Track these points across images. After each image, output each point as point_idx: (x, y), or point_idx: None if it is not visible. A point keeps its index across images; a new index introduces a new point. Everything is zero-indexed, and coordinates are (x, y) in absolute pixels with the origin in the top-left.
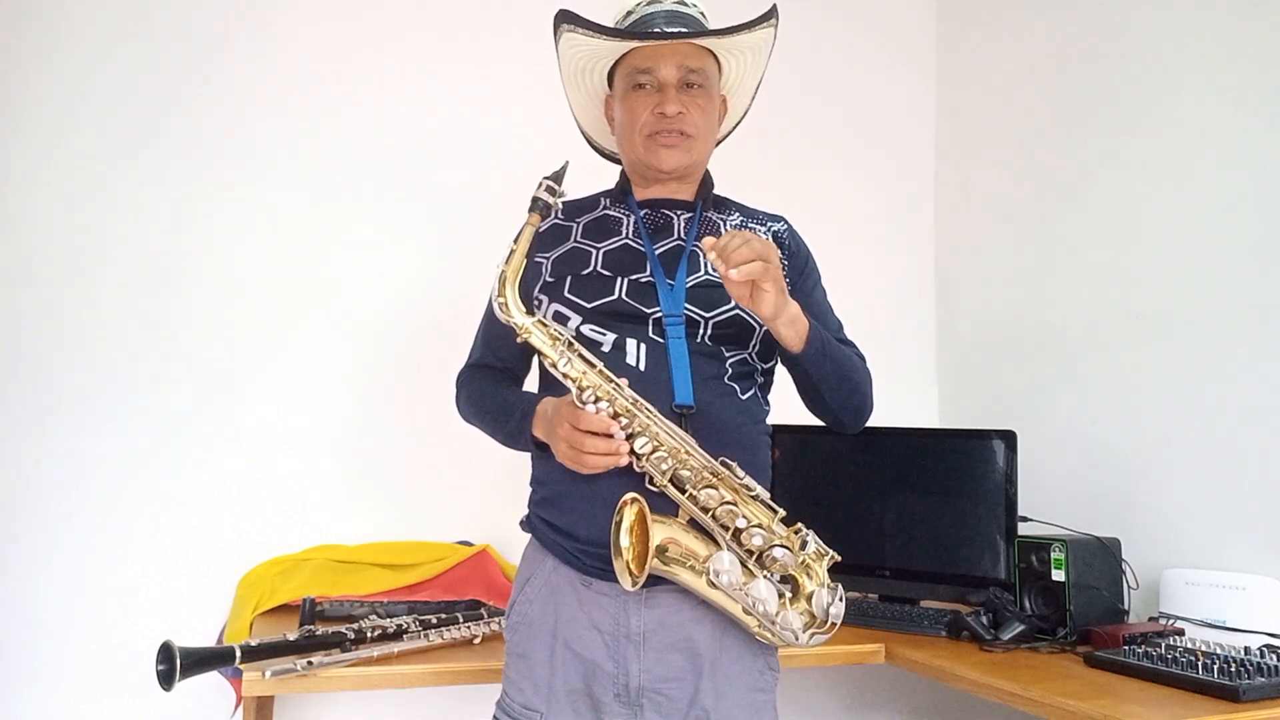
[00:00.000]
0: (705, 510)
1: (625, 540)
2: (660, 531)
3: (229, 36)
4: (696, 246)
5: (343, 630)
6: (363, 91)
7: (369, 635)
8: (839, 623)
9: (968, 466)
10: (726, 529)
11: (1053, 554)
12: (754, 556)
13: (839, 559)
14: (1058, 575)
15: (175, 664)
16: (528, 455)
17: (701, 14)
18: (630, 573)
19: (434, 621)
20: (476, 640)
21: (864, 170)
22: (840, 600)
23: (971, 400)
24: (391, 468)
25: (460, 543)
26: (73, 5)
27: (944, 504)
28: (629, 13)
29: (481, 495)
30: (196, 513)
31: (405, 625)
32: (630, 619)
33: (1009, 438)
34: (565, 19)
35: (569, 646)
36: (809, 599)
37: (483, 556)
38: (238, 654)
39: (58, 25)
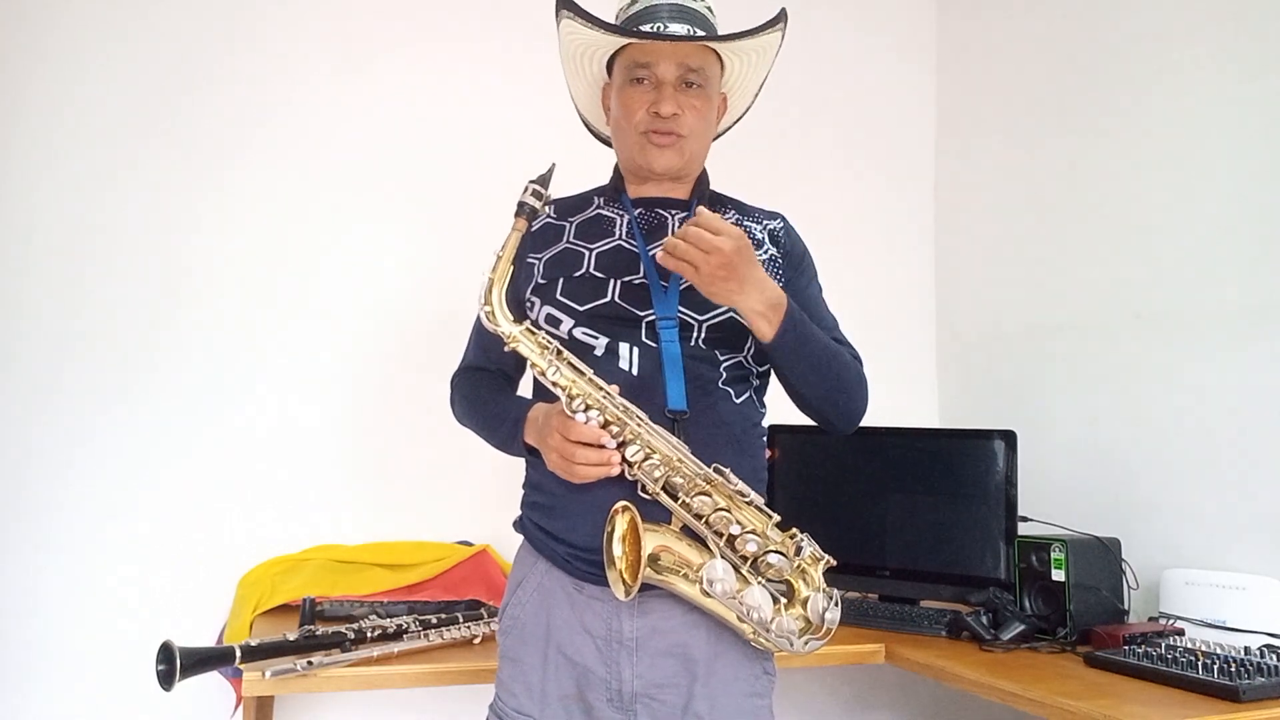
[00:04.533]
0: (699, 517)
1: (618, 549)
2: (652, 540)
3: (222, 37)
4: None
5: (343, 630)
6: (358, 91)
7: (369, 635)
8: (835, 628)
9: (968, 466)
10: (720, 535)
11: (1053, 554)
12: (748, 563)
13: (834, 563)
14: (1058, 575)
15: (175, 664)
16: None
17: (708, 9)
18: (624, 582)
19: (434, 621)
20: (476, 640)
21: (864, 170)
22: (836, 605)
23: (971, 400)
24: (391, 468)
25: (460, 543)
26: (67, 6)
27: (944, 504)
28: (633, 1)
29: (481, 495)
30: (196, 513)
31: (405, 625)
32: (623, 624)
33: (1009, 438)
34: (565, 5)
35: (561, 651)
36: (804, 604)
37: (483, 556)
38: (238, 654)
39: (51, 26)
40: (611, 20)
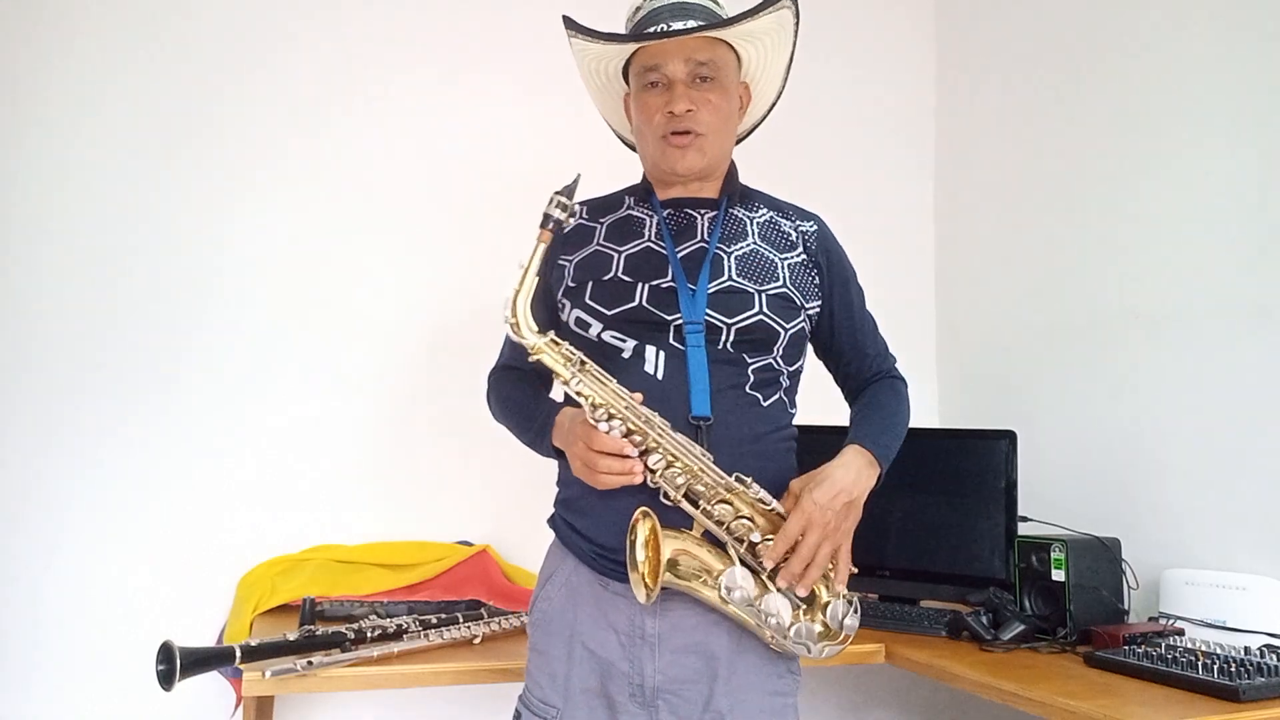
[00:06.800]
0: (720, 524)
1: (641, 554)
2: (671, 545)
3: (249, 47)
4: (720, 249)
5: (343, 630)
6: (377, 97)
7: (369, 635)
8: (853, 635)
9: (968, 466)
10: (741, 542)
11: (1053, 554)
12: (768, 570)
13: (855, 570)
14: (1058, 575)
15: (175, 664)
16: (528, 457)
17: (714, 1)
18: (644, 585)
19: (434, 621)
20: (476, 640)
21: (864, 170)
22: (855, 612)
23: (971, 400)
24: (392, 468)
25: (460, 543)
26: (92, 14)
27: (944, 504)
28: (637, 8)
29: (481, 495)
30: (197, 513)
31: (405, 625)
32: (646, 621)
33: (1009, 438)
34: (568, 26)
35: (585, 645)
36: (824, 610)
37: (483, 556)
38: (238, 654)
39: (75, 34)
40: (622, 31)
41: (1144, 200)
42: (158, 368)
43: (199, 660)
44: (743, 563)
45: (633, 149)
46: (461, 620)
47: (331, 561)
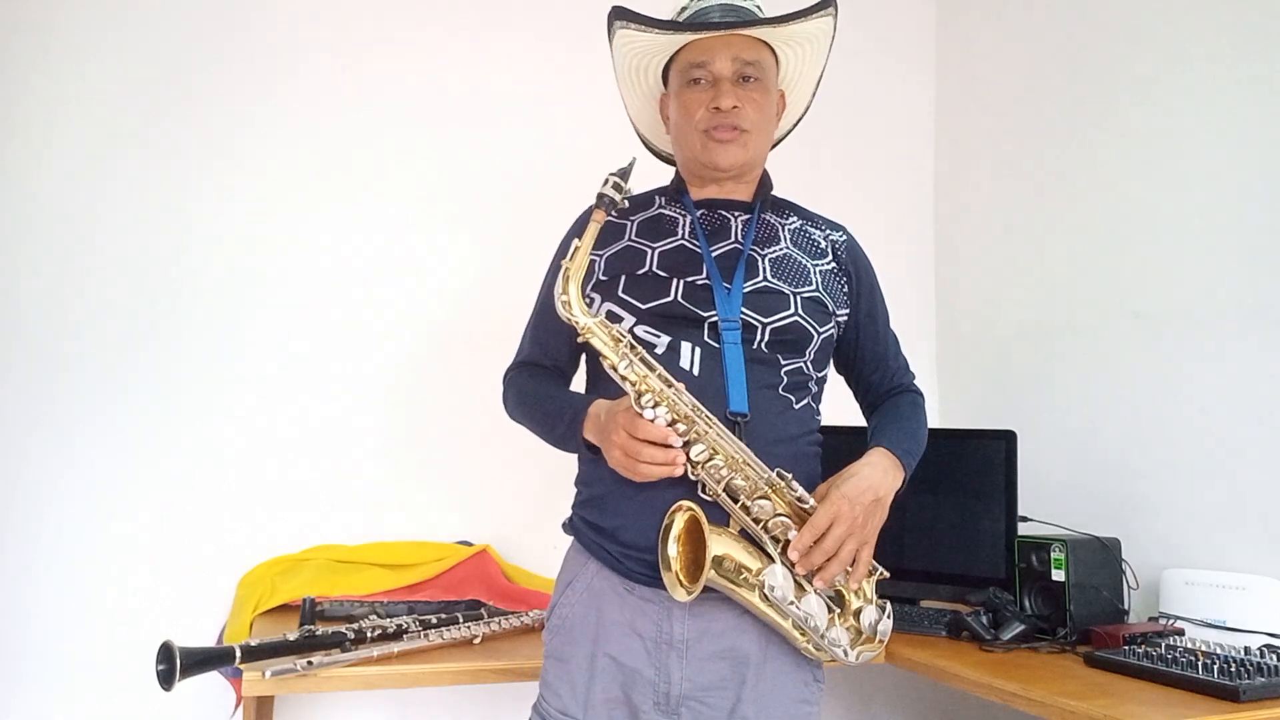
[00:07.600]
0: (757, 521)
1: (673, 549)
2: (718, 544)
3: (247, 23)
4: (754, 250)
5: (343, 630)
6: (395, 88)
7: (369, 635)
8: (886, 639)
9: (968, 466)
10: (778, 542)
11: (1053, 554)
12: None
13: (887, 575)
14: (1058, 575)
15: (175, 664)
16: (528, 457)
17: (757, 6)
18: (682, 584)
19: (434, 621)
20: (476, 640)
21: (864, 170)
22: (888, 617)
23: (971, 400)
24: (392, 468)
25: (460, 543)
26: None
27: (944, 504)
28: (683, 8)
29: (482, 495)
30: (197, 513)
31: (405, 625)
32: (673, 626)
33: (1009, 438)
34: (619, 15)
35: (609, 654)
36: (856, 615)
37: (483, 556)
38: (238, 654)
39: (51, 19)
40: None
41: (1144, 200)
42: (158, 367)
43: (199, 660)
44: (780, 563)
45: (656, 155)
46: (461, 620)
47: (331, 561)
